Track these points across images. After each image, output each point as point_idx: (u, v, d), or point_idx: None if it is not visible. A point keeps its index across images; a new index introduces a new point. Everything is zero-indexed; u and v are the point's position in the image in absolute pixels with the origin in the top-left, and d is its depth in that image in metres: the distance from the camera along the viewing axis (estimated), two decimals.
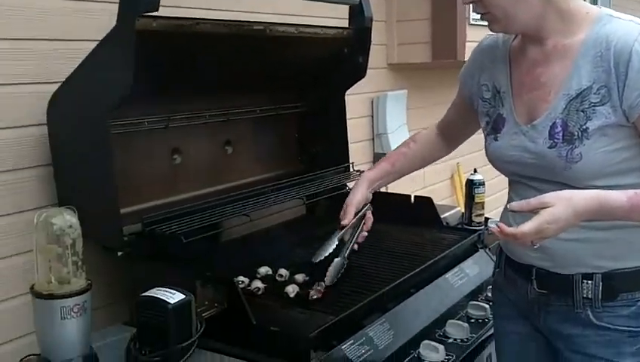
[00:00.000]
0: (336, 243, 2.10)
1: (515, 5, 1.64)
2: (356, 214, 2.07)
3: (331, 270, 2.08)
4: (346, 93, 2.82)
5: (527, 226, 1.48)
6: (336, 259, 2.09)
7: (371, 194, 2.13)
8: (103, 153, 1.87)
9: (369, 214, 2.14)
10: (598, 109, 1.58)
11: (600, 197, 1.51)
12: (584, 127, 1.59)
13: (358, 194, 2.08)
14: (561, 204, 1.49)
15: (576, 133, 1.60)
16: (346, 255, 2.12)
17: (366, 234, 2.14)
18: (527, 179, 1.74)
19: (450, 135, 2.16)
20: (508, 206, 1.58)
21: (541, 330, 1.82)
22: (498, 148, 1.78)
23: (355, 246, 2.15)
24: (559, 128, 1.62)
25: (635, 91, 1.53)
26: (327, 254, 2.09)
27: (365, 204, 2.11)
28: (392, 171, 2.13)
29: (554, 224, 1.48)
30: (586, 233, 1.64)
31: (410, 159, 2.15)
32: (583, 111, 1.59)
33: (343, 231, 2.09)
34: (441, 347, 1.89)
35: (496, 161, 1.82)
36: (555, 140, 1.63)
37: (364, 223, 2.13)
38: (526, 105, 1.73)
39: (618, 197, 1.51)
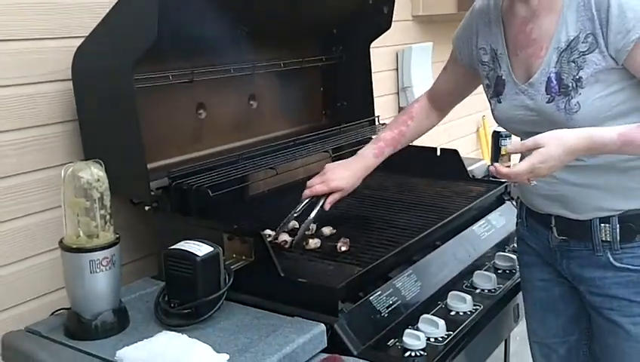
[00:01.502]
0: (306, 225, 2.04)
1: None
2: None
3: (300, 231, 2.04)
4: (371, 46, 2.79)
5: (519, 167, 1.55)
6: (308, 218, 2.03)
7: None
8: (128, 107, 1.86)
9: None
10: (588, 57, 1.59)
11: (591, 134, 1.54)
12: (577, 76, 1.61)
13: (352, 179, 2.05)
14: (552, 143, 1.53)
15: (570, 85, 1.62)
16: (313, 215, 2.03)
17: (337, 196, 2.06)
18: (535, 135, 1.73)
19: (443, 104, 2.16)
20: (504, 148, 1.61)
21: (564, 276, 1.87)
22: (502, 110, 1.81)
23: (327, 207, 2.04)
24: (554, 82, 1.65)
25: (618, 35, 1.54)
26: (298, 238, 2.03)
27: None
28: (391, 153, 2.12)
29: (545, 163, 1.53)
30: (599, 177, 1.68)
31: (409, 138, 2.16)
32: (573, 61, 1.61)
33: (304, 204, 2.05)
34: (468, 297, 1.89)
35: (502, 122, 1.86)
36: (552, 94, 1.65)
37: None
38: (522, 63, 1.74)
39: (609, 133, 1.53)
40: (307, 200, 2.05)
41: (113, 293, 1.67)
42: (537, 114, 1.70)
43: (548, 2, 1.66)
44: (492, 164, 1.62)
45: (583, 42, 1.60)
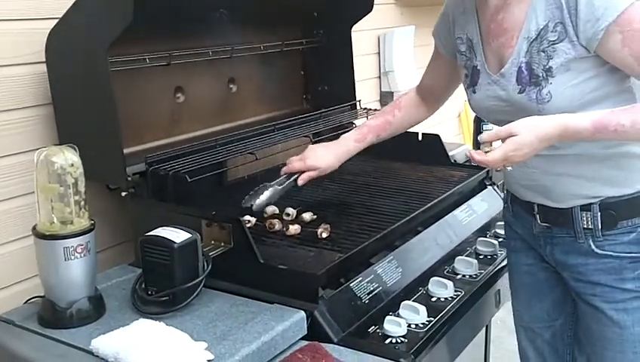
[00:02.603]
0: (272, 192, 2.03)
1: None
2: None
3: (263, 196, 2.02)
4: (353, 29, 2.76)
5: (493, 155, 1.56)
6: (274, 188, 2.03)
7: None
8: (103, 91, 1.83)
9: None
10: (558, 47, 1.59)
11: (565, 122, 1.54)
12: (547, 66, 1.60)
13: (331, 159, 2.06)
14: (525, 131, 1.54)
15: (541, 75, 1.61)
16: (281, 186, 2.03)
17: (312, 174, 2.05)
18: None
19: (432, 97, 2.16)
20: (478, 138, 1.62)
21: (548, 261, 1.87)
22: (477, 101, 1.81)
23: (300, 182, 2.04)
24: (525, 72, 1.64)
25: (588, 23, 1.53)
26: (259, 202, 2.02)
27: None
28: (376, 142, 2.13)
29: (519, 151, 1.54)
30: (578, 166, 1.69)
31: (395, 127, 2.15)
32: (543, 51, 1.61)
33: (280, 179, 2.05)
34: (449, 283, 1.88)
35: (478, 112, 1.87)
36: (523, 85, 1.65)
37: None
38: (495, 53, 1.74)
39: (582, 120, 1.53)
40: (283, 176, 2.05)
41: (88, 281, 1.64)
42: (510, 104, 1.69)
43: None
44: (468, 151, 1.62)
45: (552, 31, 1.59)
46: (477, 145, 2.81)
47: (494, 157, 1.56)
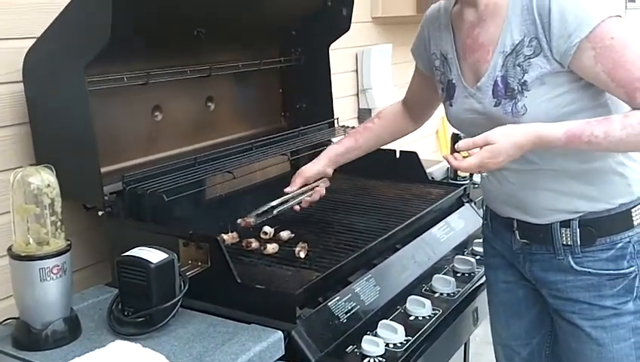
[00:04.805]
0: (269, 207, 2.11)
1: None
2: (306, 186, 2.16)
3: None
4: (331, 47, 2.77)
5: (469, 161, 1.60)
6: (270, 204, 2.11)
7: (331, 170, 2.20)
8: (81, 110, 1.82)
9: (321, 189, 2.20)
10: (533, 61, 1.61)
11: (538, 130, 1.56)
12: (522, 80, 1.62)
13: (313, 168, 2.18)
14: (502, 140, 1.57)
15: (516, 88, 1.63)
16: (277, 205, 2.13)
17: (309, 200, 2.18)
18: None
19: (416, 110, 2.19)
20: (455, 146, 1.65)
21: (527, 278, 1.88)
22: (454, 114, 1.83)
23: (297, 208, 2.17)
24: (500, 86, 1.66)
25: (560, 39, 1.55)
26: (255, 215, 2.09)
27: (319, 178, 2.19)
28: (355, 147, 2.19)
29: (494, 158, 1.57)
30: (553, 181, 1.71)
31: (376, 134, 2.19)
32: (519, 65, 1.63)
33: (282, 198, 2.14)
34: (427, 301, 1.89)
35: (455, 125, 1.88)
36: (499, 98, 1.67)
37: (312, 192, 2.18)
38: (471, 67, 1.76)
39: (556, 130, 1.55)
40: (289, 195, 2.15)
41: (64, 302, 1.63)
42: (486, 117, 1.71)
43: (494, 7, 1.67)
44: (444, 156, 1.67)
45: (527, 46, 1.61)
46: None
47: (470, 163, 1.60)
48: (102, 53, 1.73)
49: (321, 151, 2.20)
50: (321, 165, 2.17)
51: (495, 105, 1.67)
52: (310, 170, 2.17)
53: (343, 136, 2.38)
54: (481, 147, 1.59)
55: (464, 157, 1.62)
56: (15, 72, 1.91)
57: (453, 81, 1.80)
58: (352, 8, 2.62)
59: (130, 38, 1.92)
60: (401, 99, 2.23)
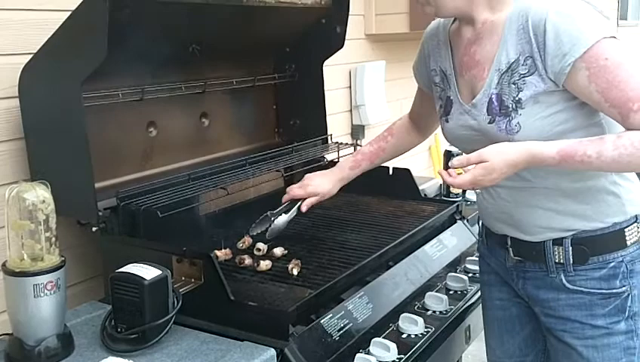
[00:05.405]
0: (273, 221, 2.12)
1: None
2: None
3: (274, 226, 2.10)
4: (324, 64, 2.78)
5: (463, 178, 1.62)
6: (281, 217, 2.12)
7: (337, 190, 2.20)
8: (76, 126, 1.83)
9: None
10: (528, 80, 1.62)
11: (532, 149, 1.58)
12: (517, 98, 1.64)
13: (329, 185, 2.16)
14: (495, 158, 1.58)
15: (510, 106, 1.65)
16: (288, 213, 2.13)
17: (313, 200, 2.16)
18: None
19: (422, 124, 2.22)
20: (450, 163, 1.67)
21: (521, 296, 1.89)
22: (450, 129, 1.85)
23: (304, 208, 2.14)
24: (495, 103, 1.68)
25: (555, 58, 1.57)
26: (263, 229, 2.12)
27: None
28: (370, 168, 2.21)
29: (487, 176, 1.59)
30: (546, 199, 1.72)
31: (388, 153, 2.23)
32: (514, 83, 1.64)
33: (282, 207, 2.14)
34: (420, 319, 1.89)
35: (451, 141, 1.90)
36: (493, 115, 1.68)
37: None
38: (467, 84, 1.78)
39: (549, 149, 1.56)
40: (285, 204, 2.14)
41: (58, 318, 1.62)
42: (481, 134, 1.72)
43: (491, 25, 1.70)
44: (438, 172, 1.69)
45: (522, 65, 1.62)
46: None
47: (464, 179, 1.62)
48: (98, 70, 1.74)
49: (315, 167, 2.20)
50: (335, 187, 2.17)
51: (489, 123, 1.69)
52: (324, 188, 2.15)
53: (351, 154, 2.35)
54: (475, 164, 1.60)
55: (458, 173, 1.63)
56: (11, 87, 1.92)
57: (451, 98, 1.82)
58: (346, 25, 2.64)
59: (126, 54, 1.92)
60: (404, 113, 2.26)
